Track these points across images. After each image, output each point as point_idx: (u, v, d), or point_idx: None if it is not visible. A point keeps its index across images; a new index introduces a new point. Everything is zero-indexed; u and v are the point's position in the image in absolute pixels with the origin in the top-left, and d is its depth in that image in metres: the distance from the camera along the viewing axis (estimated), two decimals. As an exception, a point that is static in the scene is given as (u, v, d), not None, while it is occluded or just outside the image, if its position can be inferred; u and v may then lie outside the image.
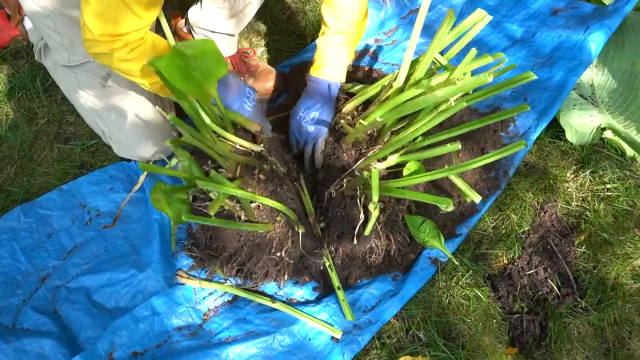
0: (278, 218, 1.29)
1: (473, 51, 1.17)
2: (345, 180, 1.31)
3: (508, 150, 1.06)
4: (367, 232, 1.21)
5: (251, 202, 1.26)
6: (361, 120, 1.29)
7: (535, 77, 1.00)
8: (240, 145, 1.27)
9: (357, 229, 1.26)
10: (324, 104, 1.42)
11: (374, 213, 1.17)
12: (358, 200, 1.26)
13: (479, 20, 1.20)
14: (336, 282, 1.33)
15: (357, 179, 1.26)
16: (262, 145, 1.30)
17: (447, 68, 1.24)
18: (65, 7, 1.30)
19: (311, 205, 1.35)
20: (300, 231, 1.28)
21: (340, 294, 1.31)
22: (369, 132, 1.35)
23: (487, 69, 1.20)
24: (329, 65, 1.41)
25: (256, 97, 1.39)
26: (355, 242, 1.28)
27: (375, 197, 1.15)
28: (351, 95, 1.51)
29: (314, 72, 1.43)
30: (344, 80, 1.45)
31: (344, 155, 1.35)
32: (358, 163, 1.31)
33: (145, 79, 1.24)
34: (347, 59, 1.43)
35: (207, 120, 1.18)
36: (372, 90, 1.41)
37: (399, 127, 1.35)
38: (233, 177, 1.29)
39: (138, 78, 1.24)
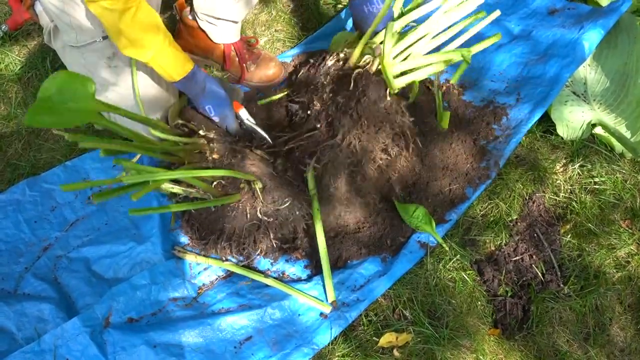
0: (242, 185, 1.34)
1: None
2: None
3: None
4: None
5: (212, 183, 1.32)
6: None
7: (501, 35, 1.11)
8: (182, 142, 1.37)
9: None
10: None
11: None
12: None
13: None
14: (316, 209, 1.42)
15: None
16: (201, 132, 1.41)
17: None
18: None
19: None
20: (257, 187, 1.33)
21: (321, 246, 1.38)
22: None
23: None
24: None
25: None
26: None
27: None
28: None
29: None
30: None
31: None
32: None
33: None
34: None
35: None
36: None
37: None
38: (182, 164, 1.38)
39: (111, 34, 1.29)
